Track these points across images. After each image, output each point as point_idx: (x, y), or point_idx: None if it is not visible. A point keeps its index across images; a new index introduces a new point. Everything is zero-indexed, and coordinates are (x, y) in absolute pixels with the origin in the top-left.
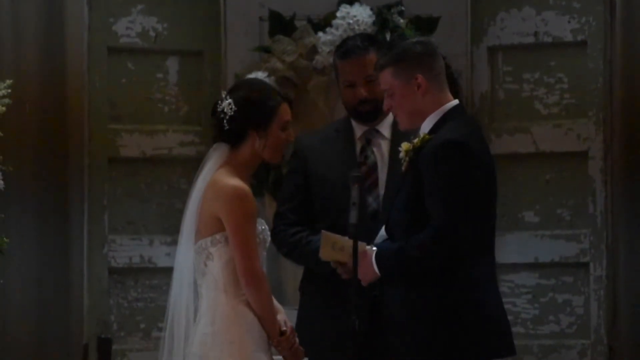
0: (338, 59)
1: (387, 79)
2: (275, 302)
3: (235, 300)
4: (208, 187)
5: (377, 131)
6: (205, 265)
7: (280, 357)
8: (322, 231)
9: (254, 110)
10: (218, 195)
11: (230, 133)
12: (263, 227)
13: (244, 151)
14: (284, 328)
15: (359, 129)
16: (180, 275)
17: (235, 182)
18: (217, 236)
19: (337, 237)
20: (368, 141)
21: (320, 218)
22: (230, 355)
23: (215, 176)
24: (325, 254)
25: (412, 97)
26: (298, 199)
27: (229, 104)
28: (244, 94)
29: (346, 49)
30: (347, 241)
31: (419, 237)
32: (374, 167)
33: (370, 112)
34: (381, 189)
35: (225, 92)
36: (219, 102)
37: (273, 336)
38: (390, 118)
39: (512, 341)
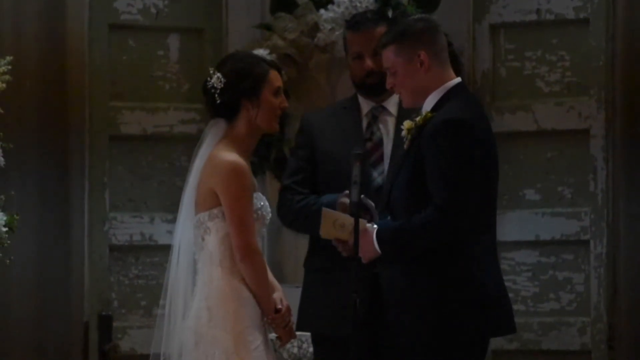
0: (347, 31)
1: (389, 57)
2: (273, 279)
3: (231, 276)
4: (207, 162)
5: (384, 108)
6: (203, 239)
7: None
8: (323, 209)
9: (243, 78)
10: (215, 170)
11: (223, 106)
12: (262, 203)
13: (241, 123)
14: (279, 306)
15: (365, 106)
16: (179, 251)
17: (232, 157)
18: (215, 211)
19: (338, 214)
20: (374, 117)
21: (324, 193)
22: (224, 330)
23: (214, 151)
24: (325, 231)
25: (415, 74)
26: (304, 173)
27: (218, 77)
28: (231, 65)
29: (355, 21)
30: (347, 219)
31: (421, 216)
32: (379, 143)
33: (377, 86)
34: (386, 165)
35: (213, 68)
36: (208, 78)
37: (267, 313)
38: (397, 95)
39: (513, 319)
